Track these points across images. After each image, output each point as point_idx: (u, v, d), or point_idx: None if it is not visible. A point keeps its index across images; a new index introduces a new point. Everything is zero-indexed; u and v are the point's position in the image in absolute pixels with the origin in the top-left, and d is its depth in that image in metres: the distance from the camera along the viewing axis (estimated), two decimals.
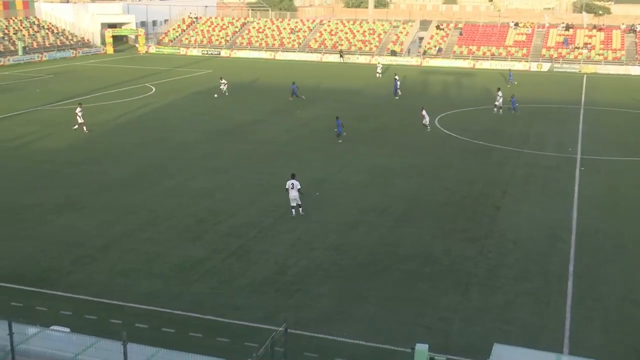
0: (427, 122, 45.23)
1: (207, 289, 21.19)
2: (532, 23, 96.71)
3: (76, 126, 43.64)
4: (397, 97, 59.51)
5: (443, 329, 18.80)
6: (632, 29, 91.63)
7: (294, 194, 27.46)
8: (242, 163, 36.59)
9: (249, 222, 27.08)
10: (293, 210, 27.81)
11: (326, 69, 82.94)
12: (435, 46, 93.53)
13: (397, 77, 63.31)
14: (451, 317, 19.54)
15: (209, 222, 27.27)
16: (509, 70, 77.81)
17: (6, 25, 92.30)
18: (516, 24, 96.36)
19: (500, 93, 52.95)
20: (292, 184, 27.45)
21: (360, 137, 43.03)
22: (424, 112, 45.64)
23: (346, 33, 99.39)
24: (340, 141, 41.23)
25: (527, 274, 22.63)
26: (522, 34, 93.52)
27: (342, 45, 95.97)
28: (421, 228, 26.92)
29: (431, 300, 20.63)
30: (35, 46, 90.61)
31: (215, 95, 58.64)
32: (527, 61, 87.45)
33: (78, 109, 43.80)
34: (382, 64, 79.48)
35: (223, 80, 61.35)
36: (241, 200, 29.98)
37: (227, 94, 59.83)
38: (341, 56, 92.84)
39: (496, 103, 52.63)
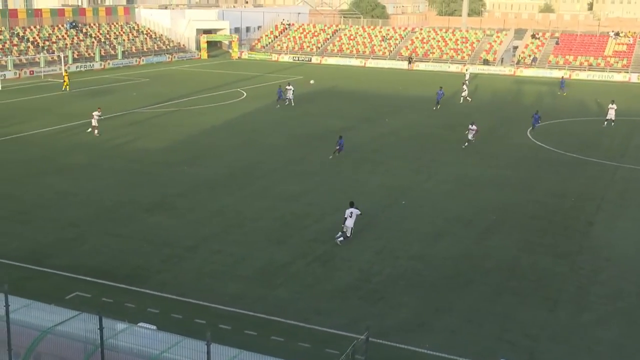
0: (472, 138, 41.77)
1: (290, 293, 21.39)
2: (634, 33, 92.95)
3: (89, 129, 44.05)
4: (435, 109, 56.34)
5: (528, 346, 18.28)
6: None
7: (349, 224, 25.32)
8: (329, 168, 36.78)
9: (334, 228, 27.13)
10: (339, 239, 25.35)
11: (415, 77, 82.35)
12: (529, 55, 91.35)
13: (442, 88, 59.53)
14: (537, 333, 18.98)
15: (294, 226, 27.53)
16: (562, 77, 74.97)
17: (108, 30, 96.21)
18: (617, 34, 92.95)
19: (614, 105, 50.67)
20: (351, 212, 25.34)
21: (447, 145, 42.48)
22: (473, 127, 42.15)
23: (438, 41, 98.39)
24: (330, 157, 38.49)
25: (620, 292, 21.73)
26: (622, 44, 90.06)
27: (433, 53, 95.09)
28: (508, 241, 26.29)
29: (516, 315, 20.11)
30: (134, 50, 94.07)
31: (281, 103, 57.34)
32: (627, 72, 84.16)
33: (95, 112, 43.84)
34: (470, 72, 78.34)
35: (290, 87, 58.55)
36: (327, 206, 30.12)
37: (292, 104, 57.15)
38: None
39: (608, 117, 50.15)
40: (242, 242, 25.77)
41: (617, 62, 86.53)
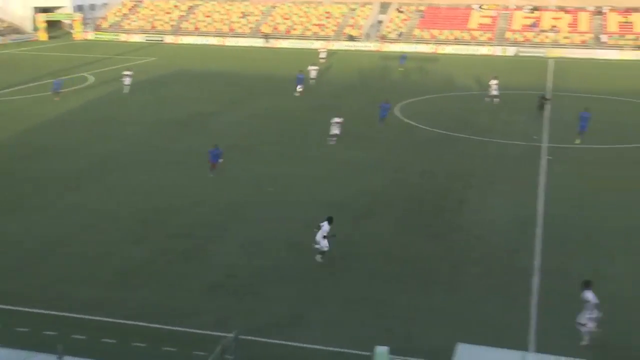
0: (338, 132, 38.90)
1: (152, 294, 20.99)
2: (497, 5, 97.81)
3: None
4: (296, 94, 54.37)
5: (405, 330, 18.95)
6: (599, 11, 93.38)
7: (317, 238, 23.11)
8: (192, 157, 36.26)
9: (197, 222, 26.89)
10: (318, 256, 23.32)
11: (279, 55, 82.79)
12: (395, 30, 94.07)
13: (309, 68, 59.56)
14: (413, 317, 19.71)
15: (153, 222, 27.00)
16: (402, 52, 78.04)
17: None
18: (480, 6, 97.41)
19: (496, 81, 52.92)
20: (321, 225, 23.19)
21: (316, 128, 43.07)
22: (338, 119, 39.28)
23: (301, 17, 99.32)
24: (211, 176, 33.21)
25: (492, 270, 22.95)
26: (486, 17, 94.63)
27: (296, 30, 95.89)
28: (382, 225, 27.08)
29: (393, 300, 20.78)
30: None
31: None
32: (491, 45, 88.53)
33: None
34: (326, 49, 79.37)
35: (127, 72, 55.86)
36: (190, 198, 29.75)
37: (127, 91, 54.53)
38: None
39: (493, 92, 52.34)
40: (97, 242, 24.98)
41: (482, 35, 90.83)
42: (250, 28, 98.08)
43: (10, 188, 30.99)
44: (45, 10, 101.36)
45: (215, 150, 32.70)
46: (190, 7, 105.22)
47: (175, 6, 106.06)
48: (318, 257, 23.21)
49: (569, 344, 17.93)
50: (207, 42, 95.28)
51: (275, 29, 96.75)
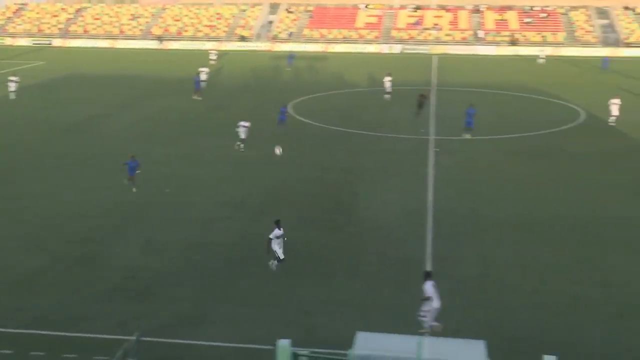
0: (244, 136, 37.62)
1: (50, 301, 20.20)
2: (383, 4, 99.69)
3: None
4: (195, 97, 52.47)
5: (306, 323, 19.03)
6: (477, 9, 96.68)
7: (274, 248, 22.34)
8: (85, 160, 35.24)
9: (93, 226, 26.10)
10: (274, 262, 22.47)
11: (171, 57, 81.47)
12: (285, 30, 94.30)
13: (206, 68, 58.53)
14: (314, 309, 19.82)
15: (48, 228, 26.02)
16: (290, 52, 79.13)
17: None
18: (366, 5, 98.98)
19: (389, 78, 53.78)
20: (272, 237, 22.38)
21: (210, 128, 42.65)
22: (245, 123, 37.87)
23: (192, 18, 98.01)
24: (134, 190, 30.20)
25: (387, 260, 23.37)
26: (373, 16, 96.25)
27: (187, 31, 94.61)
28: (282, 220, 27.03)
29: (295, 294, 20.83)
30: None
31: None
32: (378, 43, 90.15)
33: None
34: (216, 51, 78.89)
35: (13, 77, 53.17)
36: (84, 202, 28.84)
37: (13, 97, 52.10)
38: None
39: (388, 90, 53.16)
40: None
41: (369, 34, 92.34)
42: (141, 30, 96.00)
43: None
44: None
45: (132, 162, 30.27)
46: (78, 10, 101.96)
47: (63, 9, 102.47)
48: (273, 264, 22.22)
49: (463, 327, 18.48)
50: (97, 45, 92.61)
51: (167, 30, 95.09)
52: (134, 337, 14.56)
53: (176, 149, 37.78)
